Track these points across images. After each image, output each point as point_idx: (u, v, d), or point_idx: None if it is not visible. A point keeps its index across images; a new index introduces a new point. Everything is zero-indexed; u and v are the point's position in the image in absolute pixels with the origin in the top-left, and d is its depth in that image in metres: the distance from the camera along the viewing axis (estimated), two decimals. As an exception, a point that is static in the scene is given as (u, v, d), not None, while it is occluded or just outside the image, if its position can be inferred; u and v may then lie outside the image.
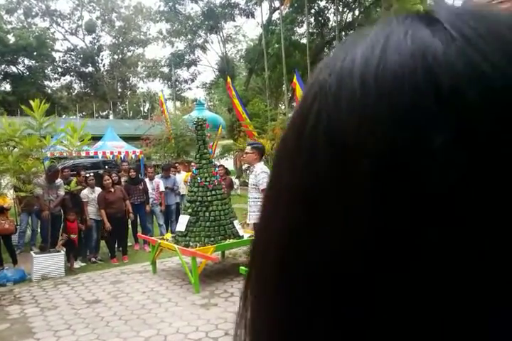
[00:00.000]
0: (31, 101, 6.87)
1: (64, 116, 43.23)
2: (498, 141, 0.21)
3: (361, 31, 0.28)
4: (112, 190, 7.50)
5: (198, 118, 6.58)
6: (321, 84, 0.26)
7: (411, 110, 0.22)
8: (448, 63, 0.23)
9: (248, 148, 5.18)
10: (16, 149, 7.49)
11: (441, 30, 0.25)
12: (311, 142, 0.25)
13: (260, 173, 4.87)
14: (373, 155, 0.22)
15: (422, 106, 0.22)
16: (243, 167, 22.18)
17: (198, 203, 6.09)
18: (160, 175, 9.51)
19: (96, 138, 22.60)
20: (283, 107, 29.82)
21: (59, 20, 45.29)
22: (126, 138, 24.80)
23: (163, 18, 32.07)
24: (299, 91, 14.60)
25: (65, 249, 6.88)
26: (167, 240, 6.33)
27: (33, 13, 43.49)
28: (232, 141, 24.88)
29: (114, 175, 8.09)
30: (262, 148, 5.33)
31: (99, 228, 7.55)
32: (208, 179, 6.17)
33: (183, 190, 9.19)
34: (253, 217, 4.97)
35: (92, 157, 21.29)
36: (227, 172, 11.66)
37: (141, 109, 50.33)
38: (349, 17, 30.81)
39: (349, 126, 0.23)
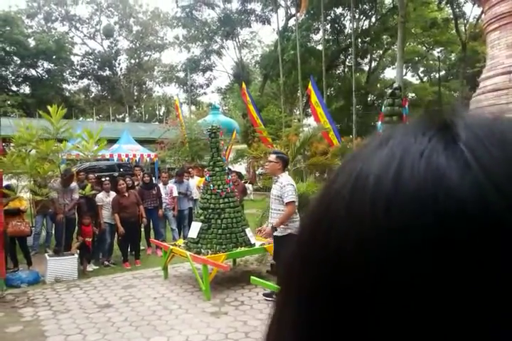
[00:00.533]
0: (49, 107, 6.96)
1: (81, 118, 43.84)
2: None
3: (384, 135, 0.29)
4: (126, 194, 7.57)
5: (212, 126, 6.62)
6: (335, 194, 0.28)
7: (412, 257, 0.23)
8: (460, 204, 0.23)
9: (273, 157, 4.94)
10: (33, 151, 7.60)
11: (458, 155, 0.24)
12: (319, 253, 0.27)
13: (286, 185, 4.76)
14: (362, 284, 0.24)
15: (423, 256, 0.23)
16: (257, 172, 22.19)
17: (210, 210, 6.12)
18: (173, 180, 9.57)
19: (112, 141, 22.89)
20: (297, 112, 29.85)
21: (78, 24, 46.03)
22: (142, 142, 25.05)
23: (179, 23, 32.38)
24: (314, 98, 14.57)
25: (79, 252, 6.96)
26: (179, 246, 6.36)
27: (53, 18, 44.28)
28: (246, 146, 24.96)
29: (128, 179, 8.17)
30: (287, 159, 5.17)
31: (113, 232, 7.62)
32: (220, 186, 6.20)
33: (196, 195, 9.24)
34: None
35: (108, 159, 21.52)
36: (240, 177, 11.69)
37: (157, 112, 50.75)
38: (365, 24, 30.70)
39: (354, 248, 0.25)
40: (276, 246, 5.00)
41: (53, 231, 8.18)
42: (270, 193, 5.07)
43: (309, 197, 6.86)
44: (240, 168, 24.70)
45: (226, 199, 6.18)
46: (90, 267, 7.24)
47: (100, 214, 7.54)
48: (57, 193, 7.02)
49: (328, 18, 28.48)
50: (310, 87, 14.64)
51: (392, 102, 3.69)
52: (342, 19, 29.40)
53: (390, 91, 3.55)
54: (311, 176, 9.40)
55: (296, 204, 4.84)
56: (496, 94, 7.79)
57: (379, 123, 3.80)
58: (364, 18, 30.23)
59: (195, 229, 6.15)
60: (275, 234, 4.89)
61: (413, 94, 35.66)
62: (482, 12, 9.86)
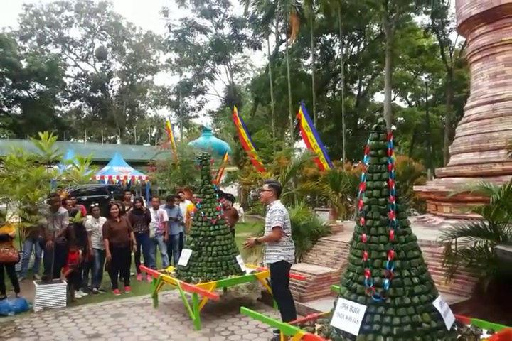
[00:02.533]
0: (40, 133, 7.01)
1: (72, 139, 43.83)
2: None
3: None
4: (118, 219, 7.57)
5: (203, 154, 6.71)
6: None
7: None
8: None
9: (266, 186, 5.09)
10: (22, 173, 7.57)
11: None
12: None
13: (275, 211, 4.82)
14: None
15: None
16: (249, 196, 22.23)
17: (200, 237, 6.14)
18: (164, 205, 9.59)
19: (103, 163, 22.94)
20: (289, 135, 30.14)
21: (71, 46, 46.55)
22: (133, 163, 25.09)
23: (172, 47, 32.93)
24: (304, 122, 14.77)
25: (67, 279, 6.90)
26: (169, 273, 6.35)
27: (46, 40, 44.78)
28: (237, 168, 25.07)
29: (119, 204, 8.17)
30: (279, 187, 5.29)
31: (102, 258, 7.58)
32: (211, 214, 6.25)
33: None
34: (269, 257, 4.91)
35: (98, 182, 21.46)
36: (231, 200, 11.68)
37: (149, 133, 50.90)
38: (354, 50, 31.46)
39: None
40: (271, 272, 5.03)
41: (42, 257, 8.11)
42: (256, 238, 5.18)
43: (299, 224, 6.93)
44: (232, 190, 24.73)
45: (217, 227, 6.22)
46: (79, 294, 7.17)
47: (89, 241, 7.51)
48: (47, 219, 7.00)
49: (318, 44, 29.18)
50: (300, 111, 14.87)
51: (377, 136, 3.80)
52: (331, 45, 30.14)
53: (375, 126, 3.66)
54: (301, 201, 9.47)
55: (285, 230, 4.87)
56: (479, 122, 8.01)
57: (365, 156, 3.91)
58: (353, 44, 31.02)
59: (185, 256, 6.16)
60: (268, 261, 4.91)
61: (401, 118, 36.27)
62: (466, 41, 10.22)
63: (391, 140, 3.91)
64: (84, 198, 15.64)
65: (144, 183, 24.48)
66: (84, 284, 7.51)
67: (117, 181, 22.56)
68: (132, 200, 9.34)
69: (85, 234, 7.55)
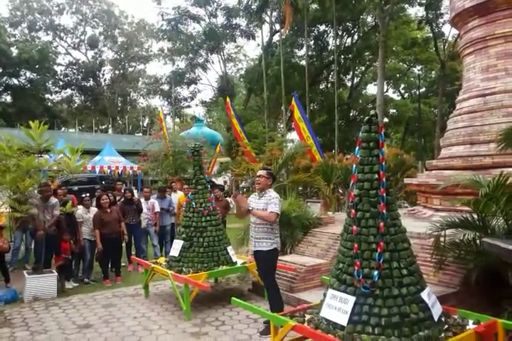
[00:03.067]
0: (30, 122, 6.94)
1: (63, 129, 43.44)
2: None
3: None
4: (108, 210, 7.54)
5: (195, 144, 6.68)
6: None
7: None
8: None
9: (264, 173, 4.98)
10: (12, 162, 7.49)
11: None
12: None
13: (275, 198, 4.80)
14: None
15: None
16: (240, 186, 22.20)
17: (192, 228, 6.14)
18: (155, 195, 9.57)
19: (94, 152, 22.78)
20: (281, 126, 30.11)
21: (62, 34, 45.92)
22: (125, 154, 24.94)
23: (165, 36, 32.56)
24: (297, 114, 14.76)
25: (58, 270, 6.89)
26: (160, 264, 6.35)
27: (37, 27, 44.10)
28: (229, 159, 25.02)
29: (110, 195, 8.13)
30: (275, 174, 5.33)
31: (93, 248, 7.56)
32: (203, 204, 6.25)
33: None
34: (261, 244, 4.87)
35: (90, 172, 21.33)
36: (223, 190, 11.67)
37: (141, 123, 50.55)
38: (348, 41, 31.31)
39: None
40: (260, 260, 4.96)
41: (33, 247, 8.08)
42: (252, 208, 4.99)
43: (290, 216, 6.95)
44: (224, 180, 24.71)
45: (208, 218, 6.22)
46: (70, 284, 7.16)
47: (80, 231, 7.50)
48: (38, 209, 6.96)
49: (312, 34, 29.03)
50: (293, 102, 14.84)
51: (369, 129, 3.81)
52: (325, 36, 30.00)
53: (366, 118, 3.66)
54: (293, 192, 9.49)
55: (277, 219, 4.87)
56: (471, 115, 8.04)
57: (356, 148, 3.91)
58: (347, 35, 30.87)
59: (176, 247, 6.17)
60: (260, 248, 4.85)
61: (394, 110, 36.34)
62: (459, 34, 10.21)
63: (382, 132, 3.92)
64: (75, 188, 15.55)
65: (135, 173, 24.38)
66: (75, 275, 7.51)
67: (109, 171, 22.45)
68: (123, 191, 9.30)
69: (76, 224, 7.52)
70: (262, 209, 4.83)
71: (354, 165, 3.98)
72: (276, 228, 4.91)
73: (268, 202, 4.80)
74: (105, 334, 4.94)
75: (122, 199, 8.72)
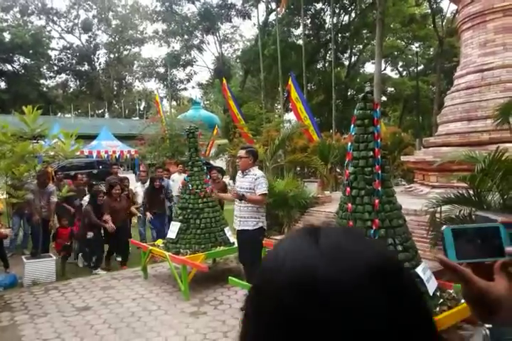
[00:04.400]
0: (24, 107, 6.85)
1: (59, 114, 43.13)
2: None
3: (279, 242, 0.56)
4: (119, 199, 7.38)
5: (190, 126, 6.62)
6: (262, 277, 0.54)
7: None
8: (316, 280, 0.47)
9: (242, 152, 4.93)
10: (7, 148, 7.43)
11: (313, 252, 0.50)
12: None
13: (260, 177, 4.78)
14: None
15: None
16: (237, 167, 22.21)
17: (189, 210, 6.13)
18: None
19: (91, 137, 22.65)
20: (279, 107, 29.90)
21: (55, 18, 45.15)
22: (122, 138, 24.79)
23: (159, 18, 32.03)
24: (294, 94, 14.61)
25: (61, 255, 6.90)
26: (158, 246, 6.37)
27: (29, 11, 43.33)
28: (227, 141, 24.91)
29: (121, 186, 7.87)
30: (256, 152, 5.18)
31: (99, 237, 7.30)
32: (199, 186, 6.22)
33: (176, 191, 9.11)
34: (246, 223, 4.84)
35: (87, 156, 21.25)
36: (221, 172, 11.61)
37: (137, 107, 50.20)
38: (345, 19, 30.81)
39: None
40: (246, 239, 4.91)
41: (30, 232, 8.09)
42: (237, 187, 4.97)
43: (287, 196, 6.94)
44: (222, 163, 24.67)
45: (205, 199, 6.20)
46: (98, 271, 7.01)
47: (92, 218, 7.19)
48: (34, 195, 6.94)
49: (309, 12, 28.54)
50: (290, 82, 14.67)
51: (364, 106, 3.74)
52: (322, 14, 29.52)
53: (361, 95, 3.58)
54: (290, 172, 9.46)
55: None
56: (468, 91, 7.95)
57: (351, 126, 3.85)
58: (344, 13, 30.36)
59: (174, 229, 6.17)
60: (246, 227, 4.81)
61: (392, 89, 36.04)
62: (457, 9, 10.01)
63: (378, 109, 3.87)
64: (73, 173, 15.50)
65: (132, 157, 24.30)
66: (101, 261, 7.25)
67: (106, 156, 22.36)
68: (149, 179, 8.94)
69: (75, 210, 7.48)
70: (247, 188, 4.82)
71: (349, 143, 3.95)
72: (262, 207, 4.88)
73: (253, 182, 4.77)
74: (104, 316, 4.98)
75: (147, 187, 8.41)
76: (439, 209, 4.68)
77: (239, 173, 5.07)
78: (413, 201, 6.75)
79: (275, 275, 0.50)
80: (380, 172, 3.63)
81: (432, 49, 34.10)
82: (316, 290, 0.47)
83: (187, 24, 31.90)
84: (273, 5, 26.46)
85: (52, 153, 7.99)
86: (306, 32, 27.81)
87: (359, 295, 0.46)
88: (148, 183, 8.95)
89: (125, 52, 47.85)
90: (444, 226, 0.78)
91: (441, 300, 3.44)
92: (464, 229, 0.78)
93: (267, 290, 0.50)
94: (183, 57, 34.58)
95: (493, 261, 0.76)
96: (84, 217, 7.10)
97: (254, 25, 31.73)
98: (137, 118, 40.77)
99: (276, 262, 0.51)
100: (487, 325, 0.73)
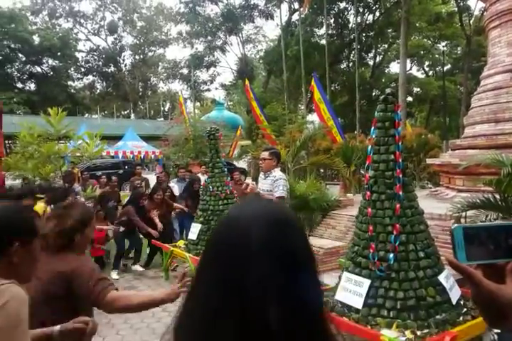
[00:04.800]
0: (49, 109, 7.02)
1: (86, 115, 44.04)
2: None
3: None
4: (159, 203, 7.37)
5: (211, 128, 6.64)
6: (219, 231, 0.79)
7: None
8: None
9: (266, 154, 4.85)
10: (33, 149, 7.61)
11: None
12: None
13: (280, 179, 4.71)
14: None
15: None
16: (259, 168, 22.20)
17: (209, 212, 6.16)
18: (176, 179, 9.60)
19: (117, 138, 23.03)
20: (302, 107, 29.78)
21: (82, 20, 46.13)
22: (146, 138, 25.13)
23: (183, 19, 32.29)
24: (317, 95, 14.51)
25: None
26: (180, 247, 6.42)
27: (57, 14, 44.38)
28: (250, 142, 24.95)
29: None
30: (279, 153, 5.13)
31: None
32: (220, 188, 6.23)
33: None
34: None
35: (113, 157, 21.63)
36: (244, 173, 11.58)
37: (162, 108, 50.80)
38: (369, 18, 30.44)
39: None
40: None
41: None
42: (259, 189, 4.91)
43: (308, 198, 6.89)
44: (245, 164, 24.71)
45: (225, 201, 6.21)
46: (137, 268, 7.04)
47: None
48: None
49: (332, 12, 28.34)
50: (313, 83, 14.59)
51: (385, 108, 3.67)
52: (346, 13, 29.27)
53: (382, 97, 3.52)
54: (312, 174, 9.41)
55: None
56: (496, 92, 7.74)
57: (372, 128, 3.79)
58: (368, 12, 30.01)
59: (194, 230, 6.20)
60: None
61: (418, 89, 35.46)
62: (485, 7, 9.76)
63: (399, 111, 3.79)
64: (99, 173, 15.79)
65: (157, 158, 24.60)
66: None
67: (131, 156, 22.70)
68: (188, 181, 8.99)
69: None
70: (267, 190, 4.78)
71: (370, 146, 3.88)
72: None
73: (273, 184, 4.72)
74: (125, 316, 5.03)
75: (185, 191, 8.42)
76: (464, 214, 4.56)
77: (261, 175, 5.05)
78: (438, 205, 6.60)
79: (220, 222, 0.80)
80: (401, 176, 3.56)
81: (459, 48, 33.41)
82: (238, 225, 0.74)
83: (210, 25, 32.08)
84: (296, 5, 26.36)
85: (77, 154, 8.17)
86: (330, 32, 27.63)
87: (263, 229, 0.72)
88: (171, 184, 9.06)
89: (150, 54, 48.52)
90: (454, 225, 0.74)
91: (465, 310, 3.34)
92: (475, 227, 0.73)
93: (213, 234, 0.78)
94: (207, 58, 34.79)
95: (505, 263, 0.72)
96: (123, 215, 7.07)
97: (277, 25, 31.70)
98: (162, 119, 41.26)
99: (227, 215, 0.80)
100: (496, 330, 0.70)
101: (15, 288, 1.31)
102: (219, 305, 0.69)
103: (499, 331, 0.70)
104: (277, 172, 4.87)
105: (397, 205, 3.46)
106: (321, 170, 15.75)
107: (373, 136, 3.84)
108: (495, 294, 0.68)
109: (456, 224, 0.75)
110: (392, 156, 3.60)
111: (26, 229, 1.47)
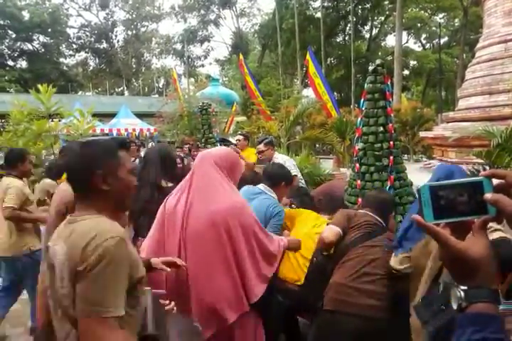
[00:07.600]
0: (39, 86, 6.92)
1: (80, 92, 43.51)
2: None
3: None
4: None
5: (203, 103, 6.60)
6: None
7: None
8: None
9: (261, 146, 4.86)
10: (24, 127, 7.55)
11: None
12: None
13: (287, 161, 4.72)
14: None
15: None
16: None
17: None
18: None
19: (111, 115, 22.83)
20: (297, 82, 29.50)
21: (72, -5, 44.85)
22: (141, 115, 24.93)
23: (175, -8, 31.52)
24: (312, 69, 14.35)
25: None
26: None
27: (46, -11, 43.11)
28: (245, 118, 24.80)
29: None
30: (272, 140, 5.14)
31: None
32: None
33: None
34: None
35: (107, 134, 21.51)
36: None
37: (156, 84, 50.16)
38: (365, -11, 29.75)
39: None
40: None
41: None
42: None
43: (302, 172, 6.89)
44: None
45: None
46: None
47: None
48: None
49: (327, -17, 27.68)
50: (308, 57, 14.39)
51: (374, 79, 3.63)
52: (341, -15, 28.56)
53: (371, 67, 3.46)
54: (306, 148, 9.40)
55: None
56: (490, 64, 7.67)
57: (362, 100, 3.74)
58: (364, -17, 29.33)
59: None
60: None
61: (414, 62, 35.06)
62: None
63: (389, 82, 3.76)
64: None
65: (152, 135, 24.48)
66: None
67: (126, 134, 22.57)
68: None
69: None
70: None
71: (359, 118, 3.87)
72: None
73: None
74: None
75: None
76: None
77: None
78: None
79: None
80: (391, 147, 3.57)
81: (456, 20, 32.87)
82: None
83: (203, -2, 31.42)
84: (291, -24, 25.71)
85: (71, 132, 8.11)
86: (325, 4, 27.07)
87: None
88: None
89: (142, 29, 47.50)
90: (421, 184, 0.74)
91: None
92: (443, 186, 0.71)
93: None
94: (200, 33, 34.24)
95: (473, 220, 0.71)
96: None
97: (272, -2, 31.03)
98: (156, 95, 40.79)
99: None
100: (462, 287, 0.71)
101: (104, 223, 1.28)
102: None
103: (466, 287, 0.71)
104: (281, 156, 4.95)
105: (391, 177, 3.48)
106: (317, 145, 15.74)
107: (363, 108, 3.82)
108: (462, 252, 0.69)
109: (423, 183, 0.74)
110: (382, 128, 3.59)
111: (106, 159, 1.41)
